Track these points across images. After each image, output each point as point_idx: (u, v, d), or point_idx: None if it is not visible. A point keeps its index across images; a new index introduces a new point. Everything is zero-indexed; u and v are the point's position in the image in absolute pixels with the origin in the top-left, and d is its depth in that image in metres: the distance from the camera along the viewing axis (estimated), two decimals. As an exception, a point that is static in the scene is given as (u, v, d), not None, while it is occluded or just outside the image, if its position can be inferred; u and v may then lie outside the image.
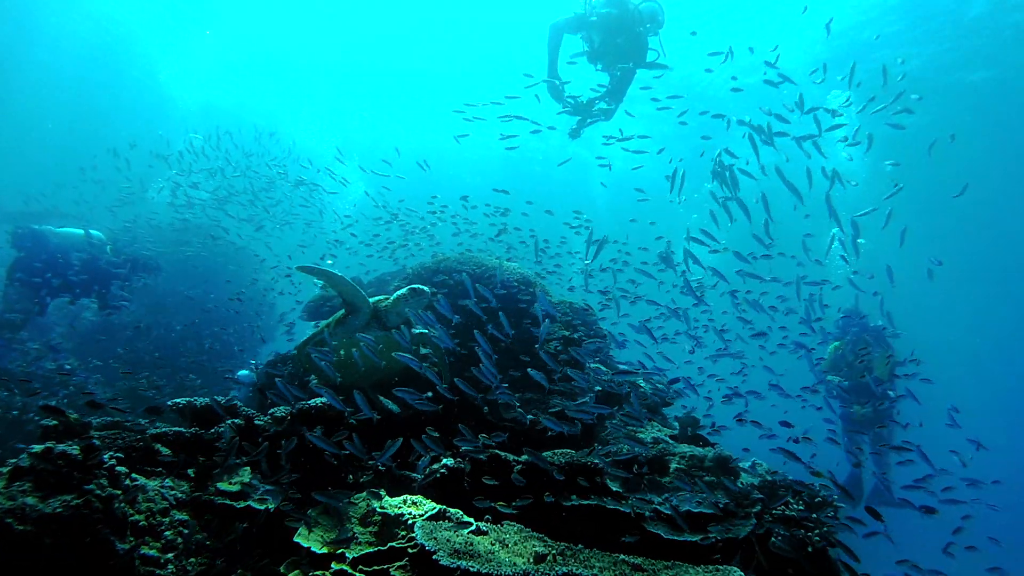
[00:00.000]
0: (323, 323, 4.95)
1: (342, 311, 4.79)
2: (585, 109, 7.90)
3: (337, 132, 25.07)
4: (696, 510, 3.86)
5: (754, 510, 3.98)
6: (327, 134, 24.98)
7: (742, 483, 4.40)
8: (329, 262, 11.27)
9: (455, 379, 4.44)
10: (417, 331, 4.89)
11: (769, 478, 4.49)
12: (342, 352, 4.75)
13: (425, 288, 4.73)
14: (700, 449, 4.83)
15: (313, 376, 5.24)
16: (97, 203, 15.87)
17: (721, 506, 3.91)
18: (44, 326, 10.00)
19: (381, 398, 4.57)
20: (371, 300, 4.78)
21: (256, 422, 3.90)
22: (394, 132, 24.99)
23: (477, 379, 4.49)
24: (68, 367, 8.29)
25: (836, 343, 9.78)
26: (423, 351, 5.03)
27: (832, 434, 7.32)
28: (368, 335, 4.53)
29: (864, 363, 9.12)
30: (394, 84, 22.81)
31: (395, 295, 4.75)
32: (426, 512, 3.56)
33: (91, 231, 8.65)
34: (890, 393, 9.12)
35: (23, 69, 21.71)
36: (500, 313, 4.95)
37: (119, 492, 2.59)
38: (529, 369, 4.46)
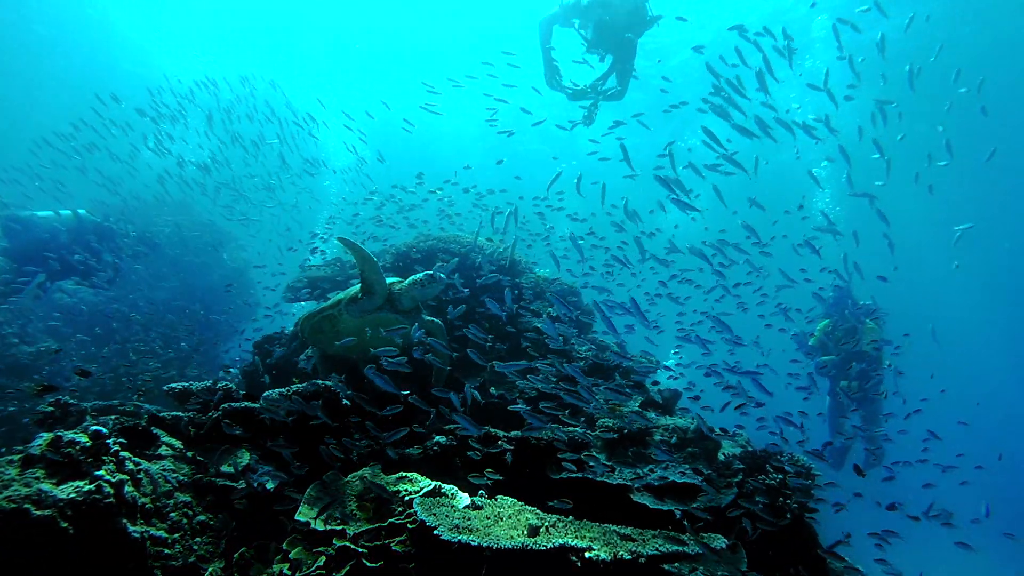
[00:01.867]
0: (333, 298, 4.97)
1: (354, 289, 4.83)
2: (589, 94, 7.87)
3: (329, 97, 24.52)
4: (680, 480, 4.04)
5: (735, 479, 4.18)
6: (316, 90, 24.32)
7: (725, 453, 4.60)
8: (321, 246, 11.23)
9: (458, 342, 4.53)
10: (427, 318, 4.95)
11: (749, 448, 4.70)
12: (349, 327, 4.79)
13: (442, 275, 4.79)
14: (682, 421, 5.01)
15: (311, 348, 5.31)
16: (89, 170, 15.61)
17: (704, 476, 4.09)
18: (21, 311, 9.88)
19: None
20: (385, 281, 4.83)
21: (252, 404, 3.97)
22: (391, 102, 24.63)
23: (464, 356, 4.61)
24: (55, 348, 8.25)
25: (826, 320, 10.02)
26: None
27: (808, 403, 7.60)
28: (378, 315, 4.63)
29: (851, 343, 9.39)
30: (389, 53, 22.42)
31: (409, 280, 4.78)
32: (422, 489, 3.68)
33: (78, 210, 8.56)
34: (876, 372, 9.41)
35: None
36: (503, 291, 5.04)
37: (126, 477, 2.66)
38: (557, 323, 4.56)
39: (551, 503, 3.65)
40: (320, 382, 4.09)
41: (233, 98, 16.84)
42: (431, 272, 4.81)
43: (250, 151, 15.58)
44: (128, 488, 2.63)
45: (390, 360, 4.00)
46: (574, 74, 8.24)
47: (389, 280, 4.86)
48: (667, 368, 6.48)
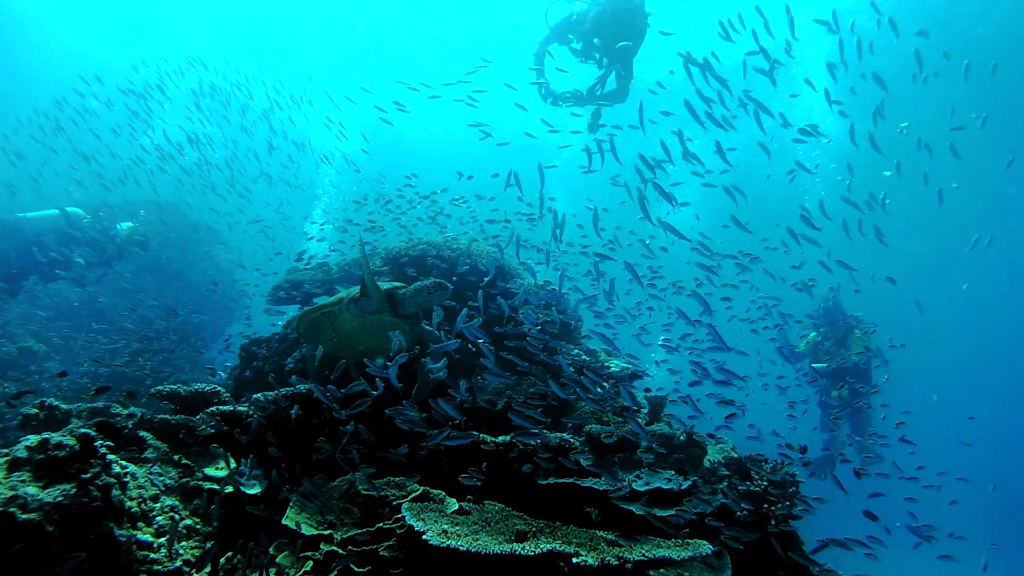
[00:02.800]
0: (335, 296, 4.97)
1: (356, 289, 4.85)
2: (589, 98, 7.89)
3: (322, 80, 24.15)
4: (666, 487, 4.08)
5: (721, 486, 4.23)
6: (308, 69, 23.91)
7: (710, 460, 4.64)
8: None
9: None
10: (426, 327, 4.96)
11: (734, 455, 4.75)
12: (349, 327, 4.78)
13: (448, 284, 4.80)
14: (668, 428, 5.05)
15: (304, 344, 5.27)
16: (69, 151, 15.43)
17: (690, 482, 4.13)
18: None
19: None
20: (388, 286, 4.85)
21: (239, 408, 3.96)
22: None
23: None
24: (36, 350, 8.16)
25: (813, 332, 10.12)
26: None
27: (791, 408, 7.67)
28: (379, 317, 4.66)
29: (840, 355, 9.50)
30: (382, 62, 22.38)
31: (415, 285, 4.80)
32: (410, 493, 3.69)
33: (67, 208, 8.45)
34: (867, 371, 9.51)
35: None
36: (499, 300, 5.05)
37: (114, 480, 2.65)
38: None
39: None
40: (300, 388, 4.07)
41: (222, 80, 16.76)
42: (439, 280, 4.83)
43: (231, 121, 15.43)
44: (115, 492, 2.62)
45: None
46: (576, 81, 8.26)
47: (394, 284, 4.89)
48: (650, 376, 6.51)
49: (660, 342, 7.58)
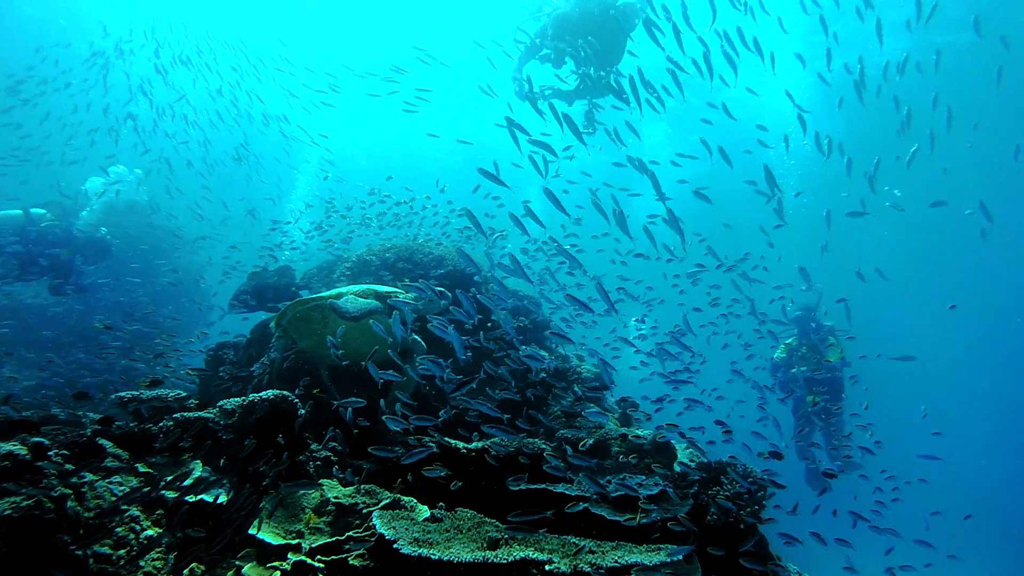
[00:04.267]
0: (331, 291, 4.87)
1: (355, 287, 4.80)
2: (571, 94, 7.88)
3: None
4: (637, 492, 4.09)
5: (691, 491, 4.25)
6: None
7: (681, 463, 4.67)
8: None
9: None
10: (412, 336, 4.91)
11: (703, 460, 4.79)
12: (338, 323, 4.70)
13: (448, 292, 4.79)
14: (640, 432, 5.08)
15: (276, 344, 5.13)
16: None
17: (660, 487, 4.15)
18: None
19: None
20: (385, 289, 4.81)
21: (206, 414, 3.85)
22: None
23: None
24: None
25: (791, 339, 10.23)
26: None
27: (763, 401, 7.74)
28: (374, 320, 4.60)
29: (818, 356, 9.65)
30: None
31: (415, 292, 4.78)
32: (381, 501, 3.63)
33: (30, 209, 8.16)
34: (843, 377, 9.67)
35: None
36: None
37: (69, 491, 2.55)
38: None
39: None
40: (267, 393, 3.97)
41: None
42: (440, 287, 4.83)
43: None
44: (71, 503, 2.51)
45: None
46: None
47: (389, 289, 4.85)
48: (615, 370, 6.54)
49: (634, 336, 7.64)
